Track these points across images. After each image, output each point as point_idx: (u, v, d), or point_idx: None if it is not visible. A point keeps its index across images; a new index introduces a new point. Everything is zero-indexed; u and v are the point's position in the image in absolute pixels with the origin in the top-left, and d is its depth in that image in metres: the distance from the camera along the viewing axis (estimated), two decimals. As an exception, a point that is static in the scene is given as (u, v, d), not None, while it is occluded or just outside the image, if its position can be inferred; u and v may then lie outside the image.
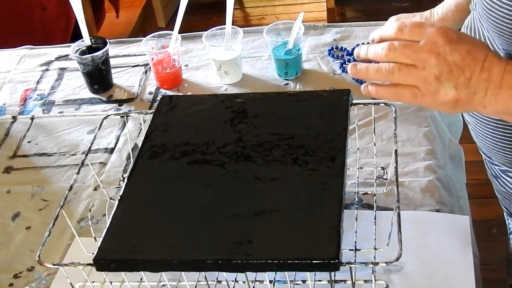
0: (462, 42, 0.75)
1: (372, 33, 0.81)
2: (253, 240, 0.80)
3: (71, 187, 0.95)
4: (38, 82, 1.52)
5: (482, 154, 1.10)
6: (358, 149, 1.10)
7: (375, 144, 1.07)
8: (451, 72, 0.74)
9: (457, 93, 0.75)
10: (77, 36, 1.49)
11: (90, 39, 1.42)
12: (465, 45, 0.75)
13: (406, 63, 0.76)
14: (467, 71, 0.74)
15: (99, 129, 1.04)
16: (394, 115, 0.98)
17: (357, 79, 1.36)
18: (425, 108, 1.26)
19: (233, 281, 0.91)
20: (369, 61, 0.80)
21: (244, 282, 0.88)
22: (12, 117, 1.41)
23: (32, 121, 1.39)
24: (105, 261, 0.81)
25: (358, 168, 1.07)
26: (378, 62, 0.79)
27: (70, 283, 0.89)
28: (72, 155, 1.29)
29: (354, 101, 1.01)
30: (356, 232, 0.93)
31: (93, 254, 0.81)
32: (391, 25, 0.78)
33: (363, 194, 1.08)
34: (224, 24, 1.40)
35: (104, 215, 1.10)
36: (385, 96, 0.80)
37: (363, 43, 1.44)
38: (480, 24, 0.92)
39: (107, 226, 0.85)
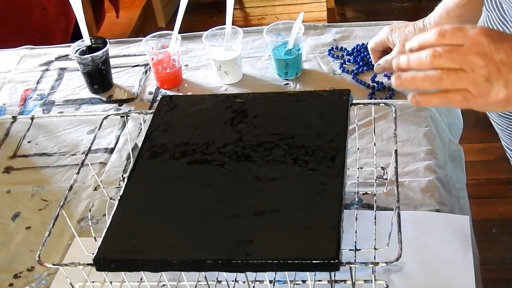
0: (506, 39, 0.75)
1: (406, 44, 0.79)
2: (253, 240, 0.80)
3: (71, 187, 0.95)
4: (38, 82, 1.51)
5: (507, 150, 1.12)
6: (358, 149, 1.10)
7: (375, 144, 1.07)
8: (499, 71, 0.74)
9: (507, 91, 0.74)
10: (77, 36, 1.49)
11: (90, 39, 1.42)
12: (509, 42, 0.75)
13: (453, 67, 0.75)
14: None
15: (99, 129, 1.04)
16: (394, 115, 0.98)
17: (358, 80, 1.36)
18: (426, 108, 1.26)
19: (233, 281, 0.91)
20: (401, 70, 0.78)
21: (244, 282, 0.88)
22: (12, 117, 1.41)
23: (32, 121, 1.39)
24: (105, 261, 0.81)
25: (358, 168, 1.06)
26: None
27: (70, 283, 0.89)
28: (72, 155, 1.29)
29: (354, 101, 1.01)
30: (356, 232, 0.93)
31: (93, 254, 0.81)
32: (430, 32, 0.76)
33: (363, 194, 1.08)
34: (224, 24, 1.40)
35: (104, 215, 1.10)
36: (437, 104, 0.78)
37: (363, 44, 1.44)
38: (503, 24, 0.92)
39: (107, 226, 0.85)
